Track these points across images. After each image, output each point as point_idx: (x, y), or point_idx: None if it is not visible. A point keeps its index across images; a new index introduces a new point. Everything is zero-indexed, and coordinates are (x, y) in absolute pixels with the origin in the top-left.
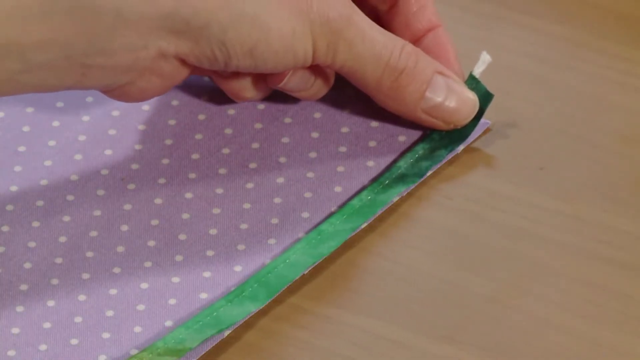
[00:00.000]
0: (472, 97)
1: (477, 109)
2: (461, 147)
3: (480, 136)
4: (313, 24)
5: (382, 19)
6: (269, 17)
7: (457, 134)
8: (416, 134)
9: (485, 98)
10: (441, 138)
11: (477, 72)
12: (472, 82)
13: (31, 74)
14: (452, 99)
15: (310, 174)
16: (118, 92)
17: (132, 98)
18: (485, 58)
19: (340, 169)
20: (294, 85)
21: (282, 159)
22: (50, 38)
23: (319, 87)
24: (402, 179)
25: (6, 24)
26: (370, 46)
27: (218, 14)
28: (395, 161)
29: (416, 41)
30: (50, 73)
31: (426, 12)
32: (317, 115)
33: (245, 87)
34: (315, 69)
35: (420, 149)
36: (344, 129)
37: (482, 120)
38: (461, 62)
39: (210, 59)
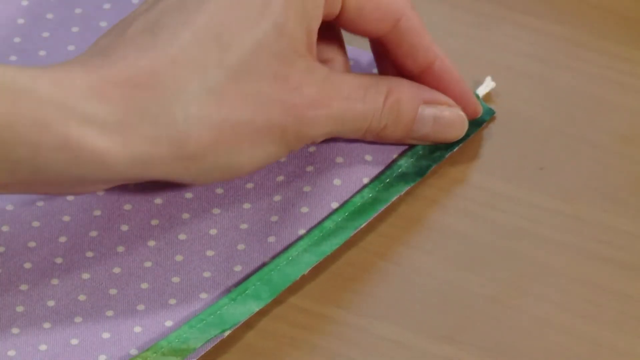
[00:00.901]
0: (461, 115)
1: (467, 125)
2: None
3: (480, 136)
4: (289, 143)
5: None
6: (242, 156)
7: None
8: None
9: (487, 114)
10: None
11: (480, 93)
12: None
13: None
14: (439, 126)
15: (309, 168)
16: None
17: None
18: (489, 84)
19: (339, 160)
20: None
21: (282, 158)
22: (11, 185)
23: None
24: (403, 177)
25: None
26: (350, 124)
27: (187, 171)
28: (395, 160)
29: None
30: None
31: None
32: None
33: None
34: None
35: (420, 149)
36: None
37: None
38: (461, 63)
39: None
